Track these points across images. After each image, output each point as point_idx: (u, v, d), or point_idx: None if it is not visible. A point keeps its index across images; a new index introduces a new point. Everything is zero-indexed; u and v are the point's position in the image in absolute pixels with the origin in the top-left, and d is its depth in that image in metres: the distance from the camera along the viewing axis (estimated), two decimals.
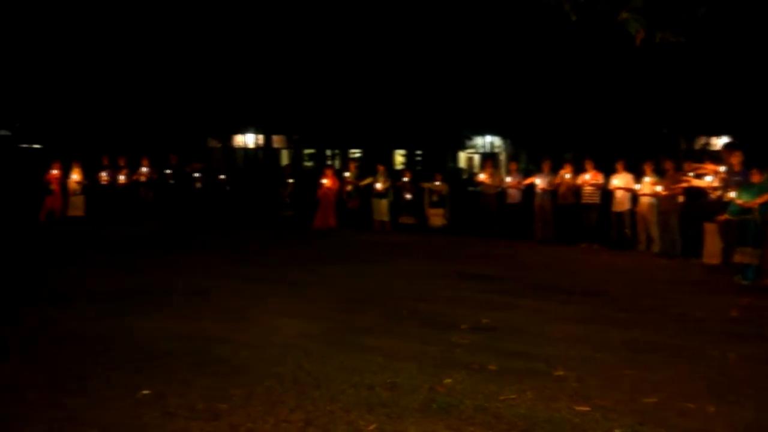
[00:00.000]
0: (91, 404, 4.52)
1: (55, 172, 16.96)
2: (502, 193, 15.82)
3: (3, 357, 5.57)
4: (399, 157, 36.24)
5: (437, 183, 16.70)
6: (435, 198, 16.62)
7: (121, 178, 17.46)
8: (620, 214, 13.66)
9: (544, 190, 14.78)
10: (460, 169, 38.60)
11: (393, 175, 18.33)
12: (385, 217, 16.80)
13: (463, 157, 40.88)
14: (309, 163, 35.97)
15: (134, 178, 17.45)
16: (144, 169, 17.43)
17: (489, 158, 22.14)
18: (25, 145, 31.69)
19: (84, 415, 4.33)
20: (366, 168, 19.50)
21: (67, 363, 5.41)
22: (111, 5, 24.68)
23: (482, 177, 16.44)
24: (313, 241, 14.70)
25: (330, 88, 27.03)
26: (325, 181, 16.99)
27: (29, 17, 24.73)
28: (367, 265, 11.01)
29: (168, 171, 17.71)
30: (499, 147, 38.27)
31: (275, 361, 5.59)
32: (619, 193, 13.64)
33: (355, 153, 33.51)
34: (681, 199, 12.62)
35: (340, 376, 5.22)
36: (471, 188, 22.04)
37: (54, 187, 16.94)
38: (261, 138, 33.94)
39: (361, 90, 27.11)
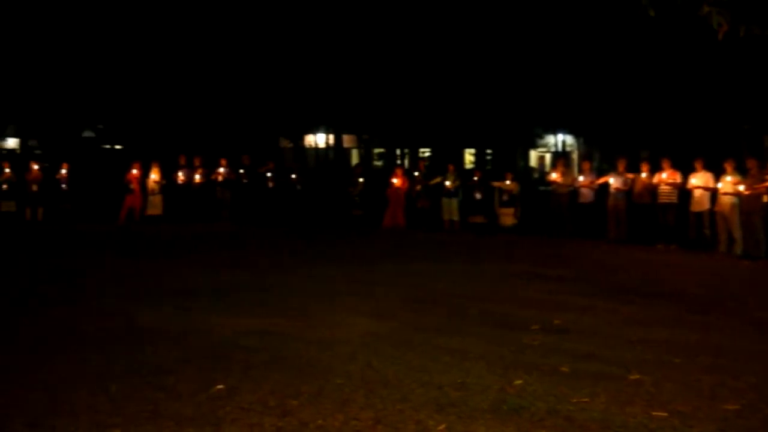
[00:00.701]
0: (169, 397, 4.66)
1: (135, 171, 17.57)
2: (574, 192, 15.55)
3: (87, 349, 5.80)
4: (469, 156, 36.02)
5: (508, 182, 16.53)
6: (505, 197, 16.45)
7: (197, 177, 17.93)
8: (699, 214, 13.23)
9: (618, 189, 14.45)
10: (532, 168, 38.09)
11: (463, 174, 18.24)
12: (455, 217, 16.73)
13: (534, 155, 40.34)
14: (379, 163, 36.12)
15: (212, 177, 17.89)
16: (221, 169, 17.85)
17: (561, 157, 21.85)
18: (107, 146, 32.98)
19: (163, 408, 4.47)
20: (435, 167, 19.45)
21: (146, 357, 5.59)
22: (186, 9, 25.38)
23: (554, 176, 16.18)
24: (382, 240, 14.77)
25: (400, 88, 27.07)
26: (394, 181, 17.05)
27: (109, 23, 25.67)
28: (436, 265, 10.98)
29: (241, 171, 18.11)
30: (571, 145, 37.60)
31: (344, 359, 5.64)
32: (697, 193, 13.21)
33: (425, 152, 33.48)
34: (766, 198, 12.13)
35: (409, 375, 5.23)
36: (542, 187, 21.73)
37: (134, 186, 17.54)
38: (331, 138, 34.30)
39: (432, 89, 27.04)
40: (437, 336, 6.41)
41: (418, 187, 17.19)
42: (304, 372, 5.27)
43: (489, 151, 35.02)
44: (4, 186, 17.24)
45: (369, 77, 26.85)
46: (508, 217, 16.38)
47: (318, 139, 36.33)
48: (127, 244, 13.55)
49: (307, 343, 6.07)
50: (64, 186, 17.91)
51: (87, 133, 33.27)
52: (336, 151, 33.53)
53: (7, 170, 17.40)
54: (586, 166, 16.93)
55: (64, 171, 18.01)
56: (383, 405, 4.60)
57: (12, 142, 36.94)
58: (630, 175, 14.47)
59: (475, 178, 16.98)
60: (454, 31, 25.65)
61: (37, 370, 5.17)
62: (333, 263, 11.02)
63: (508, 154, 32.07)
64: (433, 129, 29.68)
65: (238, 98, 27.07)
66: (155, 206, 17.81)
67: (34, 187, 17.39)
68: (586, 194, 15.26)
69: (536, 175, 34.13)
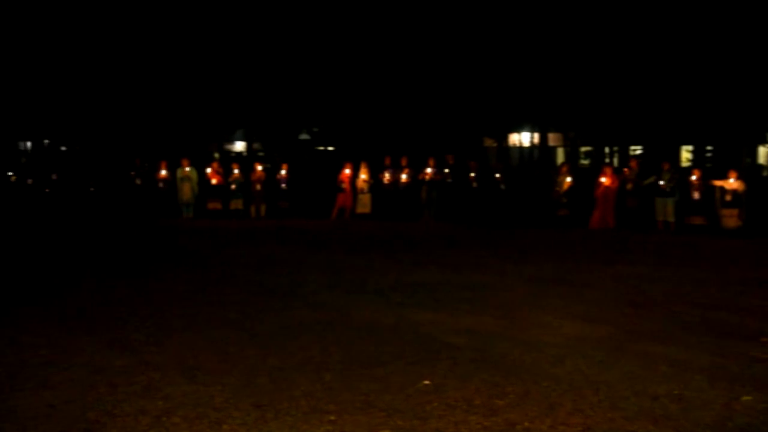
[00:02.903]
0: (379, 389, 4.84)
1: (347, 171, 18.46)
2: None
3: (305, 339, 6.18)
4: (685, 154, 33.60)
5: (731, 181, 15.19)
6: (729, 197, 15.13)
7: (404, 177, 18.44)
8: None
9: None
10: (760, 166, 34.68)
11: (679, 172, 17.07)
12: (670, 218, 15.72)
13: (763, 152, 36.70)
14: (585, 161, 34.86)
15: (420, 177, 18.32)
16: (429, 169, 18.23)
17: None
18: (321, 148, 35.03)
19: (374, 399, 4.65)
20: (648, 165, 18.37)
21: (360, 349, 5.85)
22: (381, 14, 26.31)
23: None
24: (590, 241, 14.24)
25: (610, 81, 25.92)
26: (603, 180, 16.38)
27: (316, 36, 27.33)
28: (651, 268, 10.37)
29: (446, 170, 18.36)
30: None
31: (552, 361, 5.51)
32: None
33: (636, 150, 31.77)
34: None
35: (621, 382, 4.99)
36: None
37: (346, 186, 18.43)
38: (536, 136, 33.66)
39: (646, 80, 25.58)
40: (653, 343, 6.05)
41: (629, 186, 16.37)
42: (510, 372, 5.23)
43: (709, 147, 32.39)
44: (233, 186, 18.88)
45: (577, 72, 26.01)
46: (731, 218, 15.07)
47: (522, 138, 35.81)
48: (338, 241, 14.25)
49: (513, 344, 6.01)
50: (283, 185, 19.22)
51: (303, 136, 35.59)
52: (541, 149, 32.85)
53: (236, 171, 19.04)
54: None
55: (283, 171, 19.34)
56: (593, 411, 4.44)
57: (240, 146, 40.52)
58: None
59: (694, 177, 15.80)
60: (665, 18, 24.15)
61: (264, 358, 5.60)
62: (539, 263, 10.81)
63: (731, 150, 29.43)
64: (645, 125, 28.06)
65: (443, 99, 27.50)
66: (364, 205, 18.56)
67: (258, 187, 18.85)
68: None
69: (766, 173, 31.01)
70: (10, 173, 29.80)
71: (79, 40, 29.67)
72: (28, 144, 40.54)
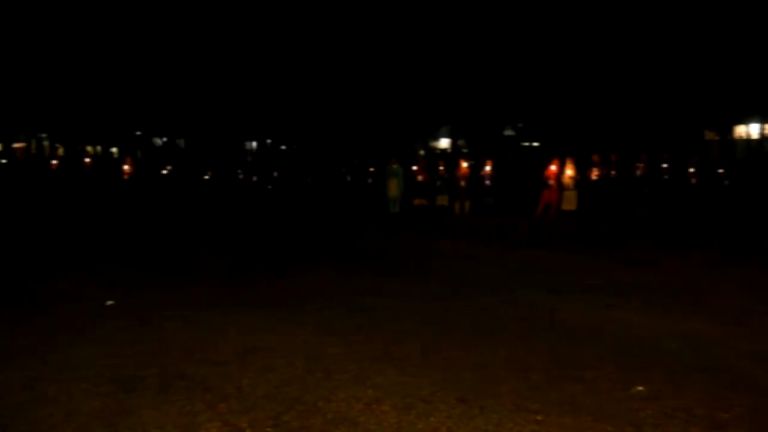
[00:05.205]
0: (587, 392, 4.67)
1: (553, 168, 18.04)
2: None
3: (511, 337, 6.12)
4: None
5: None
6: None
7: (613, 173, 17.67)
8: None
9: None
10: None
11: None
12: None
13: None
14: None
15: (632, 173, 17.50)
16: (640, 165, 17.36)
17: None
18: (526, 143, 34.59)
19: (582, 402, 4.49)
20: None
21: (565, 350, 5.68)
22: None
23: None
24: None
25: None
26: None
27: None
28: None
29: (664, 166, 17.36)
30: None
31: None
32: None
33: None
34: None
35: None
36: None
37: (552, 182, 18.02)
38: (767, 127, 30.65)
39: None
40: None
41: None
42: (736, 384, 4.80)
43: None
44: (438, 182, 19.20)
45: None
46: None
47: (750, 130, 32.76)
48: (542, 238, 13.96)
49: (738, 353, 5.52)
50: (487, 182, 19.20)
51: (508, 132, 35.33)
52: None
53: (441, 168, 19.34)
54: None
55: (488, 168, 19.31)
56: None
57: (444, 142, 41.17)
58: None
59: None
60: None
61: (467, 353, 5.62)
62: (763, 267, 9.83)
63: None
64: None
65: (661, 91, 25.96)
66: (570, 202, 18.03)
67: (463, 183, 19.01)
68: None
69: None
70: (238, 171, 32.68)
71: (302, 51, 31.87)
72: (254, 144, 44.20)
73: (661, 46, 25.16)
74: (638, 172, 17.23)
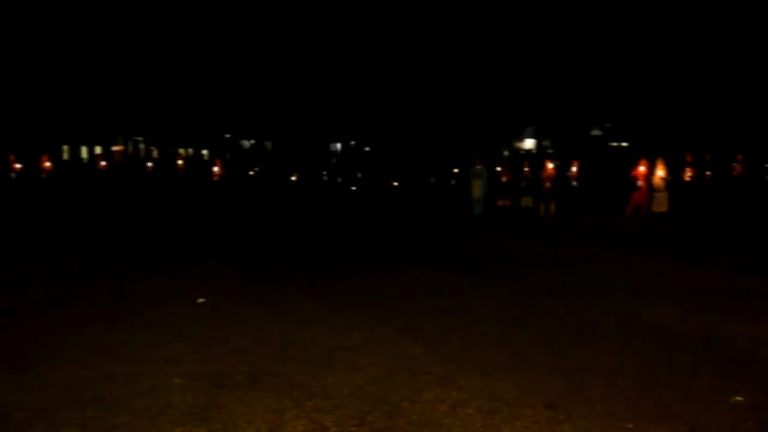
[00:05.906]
0: (681, 400, 4.49)
1: (642, 168, 17.49)
2: None
3: (599, 341, 5.97)
4: None
5: None
6: None
7: (708, 173, 17.00)
8: None
9: None
10: None
11: None
12: None
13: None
14: None
15: (731, 174, 16.82)
16: (736, 165, 16.66)
17: None
18: (614, 144, 33.69)
19: (676, 411, 4.33)
20: None
21: (658, 356, 5.49)
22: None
23: None
24: None
25: None
26: None
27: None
28: None
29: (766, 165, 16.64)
30: None
31: None
32: None
33: None
34: None
35: None
36: None
37: (641, 183, 17.47)
38: None
39: None
40: None
41: None
42: None
43: None
44: (523, 183, 18.95)
45: None
46: None
47: None
48: (631, 240, 13.55)
49: None
50: (574, 183, 18.80)
51: (595, 132, 34.50)
52: None
53: (526, 169, 19.07)
54: None
55: (574, 168, 18.90)
56: None
57: (529, 143, 40.59)
58: None
59: None
60: None
61: (554, 357, 5.51)
62: None
63: None
64: None
65: (756, 88, 24.79)
66: (661, 203, 17.45)
67: (548, 184, 18.68)
68: None
69: None
70: (323, 172, 33.21)
71: (387, 53, 32.15)
72: (338, 145, 44.81)
73: (757, 39, 24.02)
74: (735, 173, 16.49)
